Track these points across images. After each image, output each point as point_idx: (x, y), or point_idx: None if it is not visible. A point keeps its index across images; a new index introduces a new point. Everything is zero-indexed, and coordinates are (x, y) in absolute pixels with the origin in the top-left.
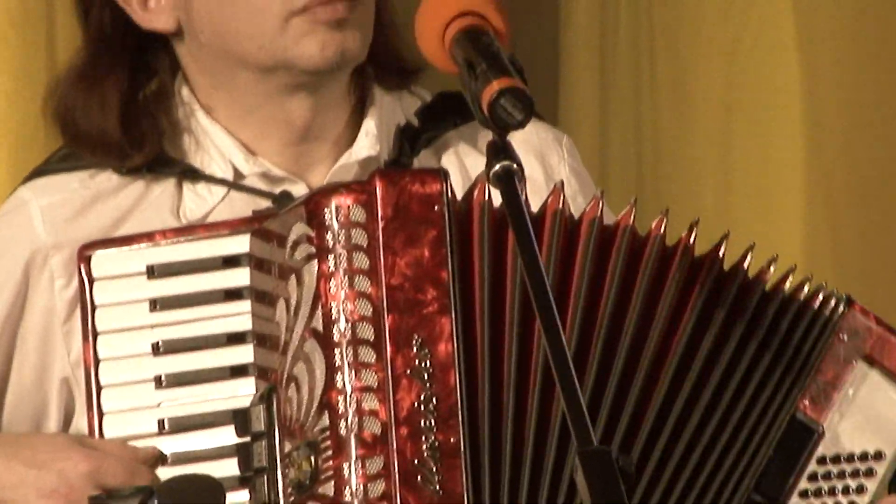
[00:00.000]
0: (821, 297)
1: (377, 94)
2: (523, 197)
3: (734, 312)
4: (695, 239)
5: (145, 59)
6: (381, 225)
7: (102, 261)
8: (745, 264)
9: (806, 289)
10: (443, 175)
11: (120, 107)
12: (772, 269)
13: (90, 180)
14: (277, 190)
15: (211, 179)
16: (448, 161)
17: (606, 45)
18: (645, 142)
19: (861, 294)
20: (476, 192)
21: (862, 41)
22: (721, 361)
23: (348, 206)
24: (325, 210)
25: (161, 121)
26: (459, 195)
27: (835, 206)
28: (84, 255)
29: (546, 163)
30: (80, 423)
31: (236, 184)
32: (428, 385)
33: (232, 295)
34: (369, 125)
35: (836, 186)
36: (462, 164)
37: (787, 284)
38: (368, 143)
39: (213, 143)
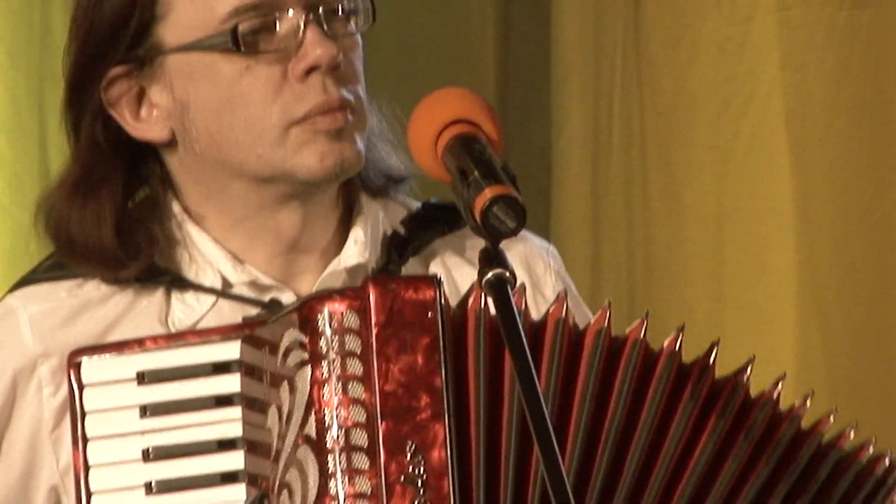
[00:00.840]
0: (884, 460)
1: (364, 201)
2: (516, 303)
3: (778, 458)
4: (680, 345)
5: (136, 169)
6: (374, 331)
7: (92, 367)
8: (746, 377)
9: (850, 438)
10: (436, 282)
11: (115, 217)
12: (779, 386)
13: (78, 289)
14: (266, 298)
15: (199, 288)
16: (436, 270)
17: (599, 155)
18: (637, 252)
19: (853, 406)
20: (472, 300)
21: (854, 152)
22: None
23: (342, 313)
24: (319, 316)
25: (153, 231)
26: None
27: (827, 316)
28: (74, 361)
29: (533, 272)
30: None
31: (224, 292)
32: (422, 492)
33: (222, 401)
34: (358, 233)
35: (829, 297)
36: (450, 273)
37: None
38: (357, 250)
39: (202, 252)
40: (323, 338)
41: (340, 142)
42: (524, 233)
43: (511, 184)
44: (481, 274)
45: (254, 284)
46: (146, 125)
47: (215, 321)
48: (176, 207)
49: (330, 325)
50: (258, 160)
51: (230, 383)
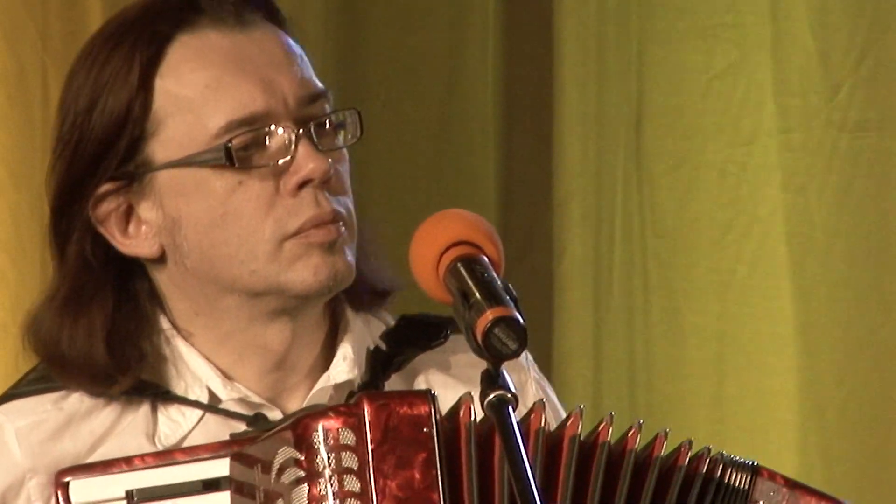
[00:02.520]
0: (728, 469)
1: (349, 316)
2: (534, 419)
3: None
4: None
5: (125, 283)
6: (371, 447)
7: (80, 487)
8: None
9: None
10: (430, 397)
11: (105, 333)
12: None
13: (63, 402)
14: (252, 413)
15: (184, 401)
16: (418, 387)
17: (600, 278)
18: (638, 374)
19: None
20: (462, 413)
21: (856, 275)
22: None
23: (337, 430)
24: (314, 434)
25: (143, 346)
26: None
27: (829, 441)
28: (61, 481)
29: (516, 380)
30: None
31: (211, 407)
32: None
33: None
34: (346, 350)
35: (831, 421)
36: (431, 389)
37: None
38: (346, 367)
39: (190, 368)
40: (319, 455)
41: (333, 255)
42: None
43: (513, 305)
44: (483, 395)
45: (242, 401)
46: (135, 241)
47: (202, 436)
48: (164, 323)
49: (326, 443)
50: (252, 275)
51: (220, 501)
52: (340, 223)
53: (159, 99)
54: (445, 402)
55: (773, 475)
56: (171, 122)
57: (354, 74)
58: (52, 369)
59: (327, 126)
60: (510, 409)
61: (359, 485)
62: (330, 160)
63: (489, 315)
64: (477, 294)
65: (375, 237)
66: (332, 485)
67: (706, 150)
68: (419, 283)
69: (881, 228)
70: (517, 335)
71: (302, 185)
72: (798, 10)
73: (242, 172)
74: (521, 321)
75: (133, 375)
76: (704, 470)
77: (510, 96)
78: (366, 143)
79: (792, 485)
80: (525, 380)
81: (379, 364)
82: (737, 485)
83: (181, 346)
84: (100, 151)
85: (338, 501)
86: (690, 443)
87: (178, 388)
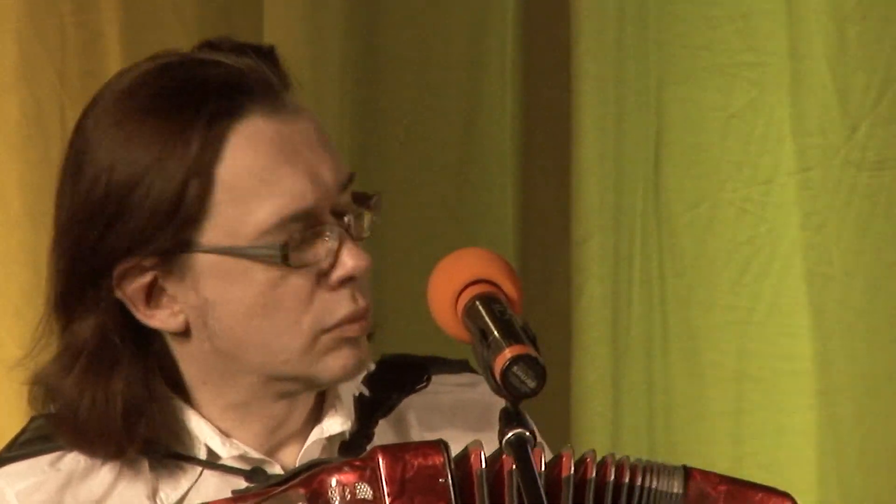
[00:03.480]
0: (661, 478)
1: None
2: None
3: None
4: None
5: (140, 349)
6: (388, 501)
7: None
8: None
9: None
10: (443, 447)
11: (123, 401)
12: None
13: (59, 462)
14: (250, 468)
15: (183, 458)
16: (410, 434)
17: (619, 316)
18: (657, 413)
19: None
20: (472, 459)
21: (875, 314)
22: None
23: (354, 484)
24: (330, 490)
25: (151, 409)
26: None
27: (848, 478)
28: None
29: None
30: None
31: (210, 463)
32: None
33: None
34: (338, 402)
35: (849, 460)
36: (420, 436)
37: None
38: (340, 419)
39: (188, 427)
40: None
41: (359, 347)
42: (478, 379)
43: (531, 343)
44: (501, 434)
45: (241, 458)
46: (159, 315)
47: (202, 494)
48: (166, 386)
49: (343, 498)
50: (283, 364)
51: None
52: (367, 321)
53: (216, 187)
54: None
55: (705, 475)
56: (221, 209)
57: (373, 115)
58: (62, 433)
59: (361, 218)
60: (529, 447)
61: None
62: (367, 256)
63: (507, 353)
64: (495, 332)
65: None
66: None
67: (725, 189)
68: (437, 321)
69: None
70: (536, 373)
71: (342, 282)
72: (816, 48)
73: (287, 268)
74: (540, 359)
75: (140, 441)
76: (628, 480)
77: (528, 135)
78: (384, 183)
79: (729, 482)
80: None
81: (366, 411)
82: (668, 490)
83: (181, 406)
84: (142, 228)
85: None
86: (590, 452)
87: (177, 446)
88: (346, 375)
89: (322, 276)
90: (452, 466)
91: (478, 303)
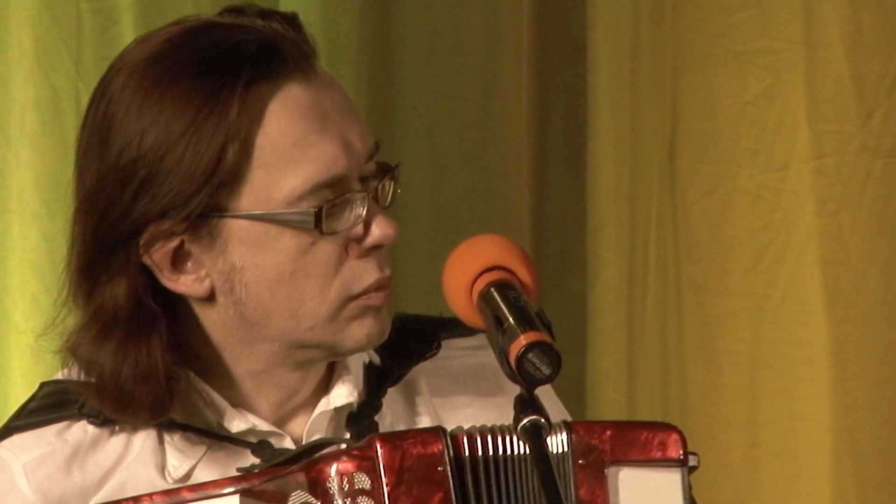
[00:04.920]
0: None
1: None
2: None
3: None
4: None
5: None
6: (386, 491)
7: None
8: None
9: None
10: (442, 433)
11: (164, 362)
12: None
13: (66, 432)
14: (257, 440)
15: (191, 430)
16: (419, 401)
17: (634, 303)
18: (671, 399)
19: None
20: (467, 445)
21: (890, 300)
22: None
23: (352, 474)
24: (328, 479)
25: (177, 380)
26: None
27: (863, 464)
28: None
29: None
30: None
31: (217, 435)
32: None
33: None
34: (346, 374)
35: (864, 445)
36: (430, 403)
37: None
38: (346, 390)
39: (200, 398)
40: (335, 501)
41: (381, 317)
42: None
43: (546, 330)
44: (516, 420)
45: (250, 431)
46: (185, 280)
47: (210, 466)
48: (177, 355)
49: (341, 488)
50: (308, 331)
51: None
52: (392, 286)
53: (254, 152)
54: (443, 412)
55: (589, 426)
56: (256, 174)
57: (388, 101)
58: (103, 402)
59: (386, 187)
60: (544, 434)
61: None
62: (395, 225)
63: (522, 340)
64: (510, 319)
65: None
66: None
67: (740, 176)
68: (452, 308)
69: None
70: (551, 360)
71: (372, 249)
72: (832, 36)
73: (317, 234)
74: (555, 346)
75: (166, 410)
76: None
77: (544, 122)
78: (400, 170)
79: (612, 426)
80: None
81: (376, 380)
82: (554, 453)
83: (192, 377)
84: (176, 192)
85: None
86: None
87: (187, 418)
88: (368, 344)
89: (350, 244)
90: (451, 454)
91: (493, 289)
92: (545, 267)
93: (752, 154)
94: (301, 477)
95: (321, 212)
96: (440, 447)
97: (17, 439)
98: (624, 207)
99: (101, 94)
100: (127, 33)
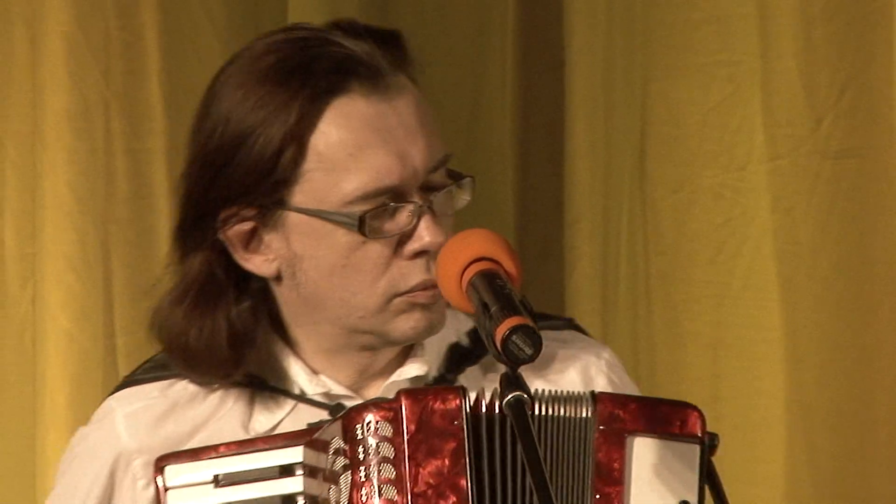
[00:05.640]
0: (569, 406)
1: None
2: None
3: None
4: None
5: (244, 286)
6: (406, 438)
7: (175, 472)
8: None
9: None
10: (462, 392)
11: (227, 331)
12: None
13: (169, 389)
14: (334, 403)
15: (279, 392)
16: (493, 378)
17: (607, 290)
18: (641, 377)
19: None
20: (486, 406)
21: (839, 287)
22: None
23: (377, 422)
24: (357, 426)
25: (256, 341)
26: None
27: (814, 437)
28: (159, 465)
29: (586, 374)
30: None
31: (301, 397)
32: None
33: (287, 500)
34: (420, 350)
35: (815, 419)
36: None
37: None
38: (417, 365)
39: (285, 365)
40: (361, 445)
41: (431, 312)
42: (588, 340)
43: (529, 315)
44: (502, 396)
45: (326, 395)
46: (255, 260)
47: (292, 424)
48: (268, 324)
49: (366, 434)
50: (358, 319)
51: (294, 484)
52: (438, 290)
53: (309, 154)
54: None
55: (614, 398)
56: (312, 175)
57: None
58: (176, 360)
59: (449, 193)
60: (526, 408)
61: (394, 472)
62: (444, 232)
63: (507, 324)
64: (496, 305)
65: None
66: (371, 472)
67: (703, 176)
68: (444, 295)
69: (861, 245)
70: (532, 342)
71: (417, 254)
72: (785, 48)
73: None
74: (537, 330)
75: (245, 369)
76: (537, 411)
77: (526, 128)
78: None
79: (638, 399)
80: (595, 373)
81: (455, 358)
82: (577, 416)
83: (280, 345)
84: (243, 181)
85: (376, 487)
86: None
87: (275, 381)
88: (416, 336)
89: (401, 245)
90: (468, 410)
91: (481, 278)
92: (527, 258)
93: (714, 156)
94: (338, 425)
95: (364, 218)
96: (458, 402)
97: (126, 392)
98: (598, 204)
99: (215, 78)
100: (151, 48)
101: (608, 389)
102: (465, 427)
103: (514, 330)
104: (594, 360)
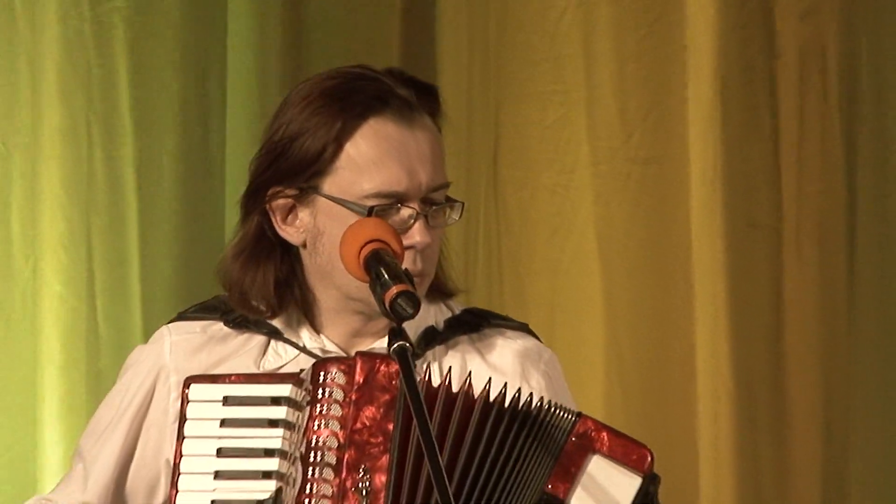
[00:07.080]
0: (558, 415)
1: (423, 303)
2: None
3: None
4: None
5: (286, 249)
6: (354, 388)
7: (197, 390)
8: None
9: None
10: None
11: (274, 280)
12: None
13: (209, 328)
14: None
15: (287, 341)
16: (451, 357)
17: (469, 264)
18: None
19: (644, 437)
20: (423, 377)
21: (646, 263)
22: (494, 459)
23: (335, 373)
24: (321, 373)
25: (294, 292)
26: (474, 386)
27: (625, 376)
28: (187, 383)
29: (523, 365)
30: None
31: (303, 349)
32: (366, 499)
33: (273, 423)
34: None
35: (626, 362)
36: (463, 360)
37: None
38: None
39: (298, 322)
40: (321, 388)
41: (414, 285)
42: (533, 340)
43: (410, 283)
44: (390, 345)
45: (322, 350)
46: (289, 230)
47: (293, 368)
48: (292, 285)
49: (326, 380)
50: (356, 289)
51: (279, 412)
52: (424, 278)
53: (342, 156)
54: (475, 373)
55: (596, 424)
56: (342, 172)
57: None
58: (232, 299)
59: (443, 209)
60: (409, 355)
61: (341, 411)
62: (432, 236)
63: (394, 290)
64: (385, 275)
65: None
66: (323, 409)
67: (542, 178)
68: (345, 267)
69: (661, 231)
70: (413, 304)
71: (408, 247)
72: (604, 80)
73: None
74: (416, 294)
75: (283, 310)
76: (533, 409)
77: None
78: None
79: (608, 430)
80: (532, 367)
81: (427, 338)
82: (560, 425)
83: (294, 304)
84: (292, 169)
85: (324, 421)
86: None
87: (288, 334)
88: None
89: None
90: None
91: (374, 255)
92: None
93: (550, 162)
94: (311, 371)
95: (374, 209)
96: (398, 368)
97: (177, 324)
98: (463, 198)
99: (291, 91)
100: (123, 80)
101: (542, 384)
102: (400, 387)
103: (399, 294)
104: (533, 357)
